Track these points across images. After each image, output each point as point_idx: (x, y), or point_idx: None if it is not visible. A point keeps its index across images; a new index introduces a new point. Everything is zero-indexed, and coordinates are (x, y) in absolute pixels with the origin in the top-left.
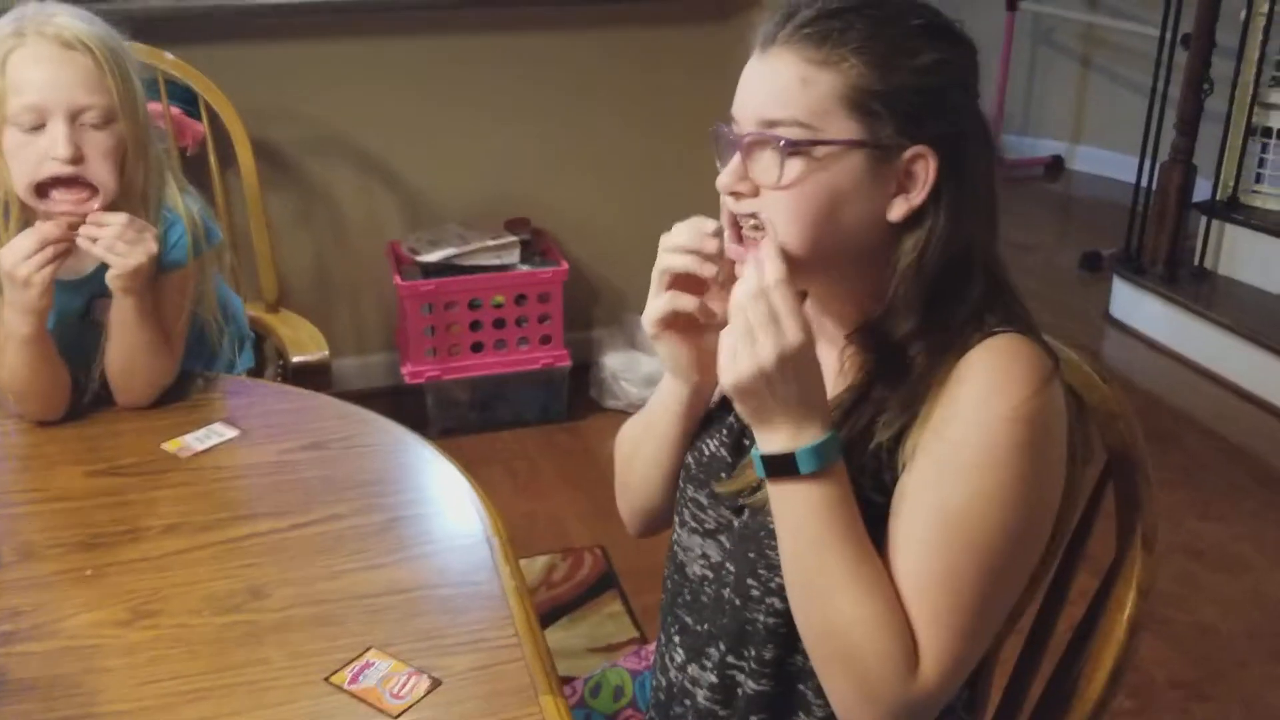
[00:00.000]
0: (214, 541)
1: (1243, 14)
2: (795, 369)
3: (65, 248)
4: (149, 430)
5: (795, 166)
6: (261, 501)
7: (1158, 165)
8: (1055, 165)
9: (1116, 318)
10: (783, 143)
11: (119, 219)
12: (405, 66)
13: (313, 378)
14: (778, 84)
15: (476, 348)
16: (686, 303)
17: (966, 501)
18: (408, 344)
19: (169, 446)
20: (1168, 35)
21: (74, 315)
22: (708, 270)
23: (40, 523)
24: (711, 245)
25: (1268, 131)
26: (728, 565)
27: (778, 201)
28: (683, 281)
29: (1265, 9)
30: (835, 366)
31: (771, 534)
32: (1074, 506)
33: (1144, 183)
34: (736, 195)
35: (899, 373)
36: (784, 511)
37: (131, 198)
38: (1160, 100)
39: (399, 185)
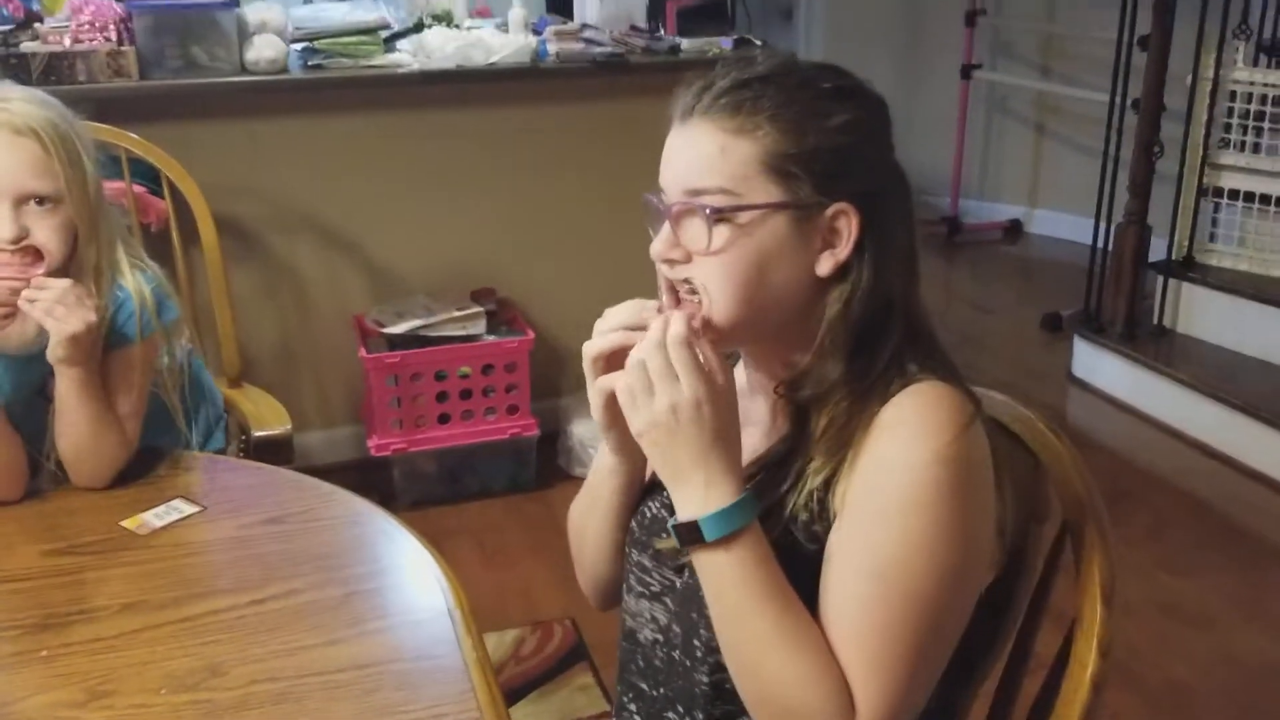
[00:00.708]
0: (171, 620)
1: (1189, 79)
2: (696, 424)
3: (6, 312)
4: (108, 508)
5: (722, 232)
6: (220, 578)
7: (1113, 227)
8: (1013, 228)
9: (1079, 377)
10: (708, 210)
11: (60, 284)
12: (367, 141)
13: (275, 453)
14: (699, 154)
15: (443, 419)
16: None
17: (894, 549)
18: (373, 416)
19: (128, 524)
20: (1118, 100)
21: (31, 390)
22: (638, 336)
23: None
24: (650, 317)
25: (1219, 192)
26: (674, 627)
27: (709, 266)
28: (619, 359)
29: (1210, 74)
30: (769, 420)
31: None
32: (1033, 566)
33: (1100, 244)
34: (671, 262)
35: (826, 421)
36: (703, 578)
37: (84, 275)
38: (1113, 163)
39: (364, 258)
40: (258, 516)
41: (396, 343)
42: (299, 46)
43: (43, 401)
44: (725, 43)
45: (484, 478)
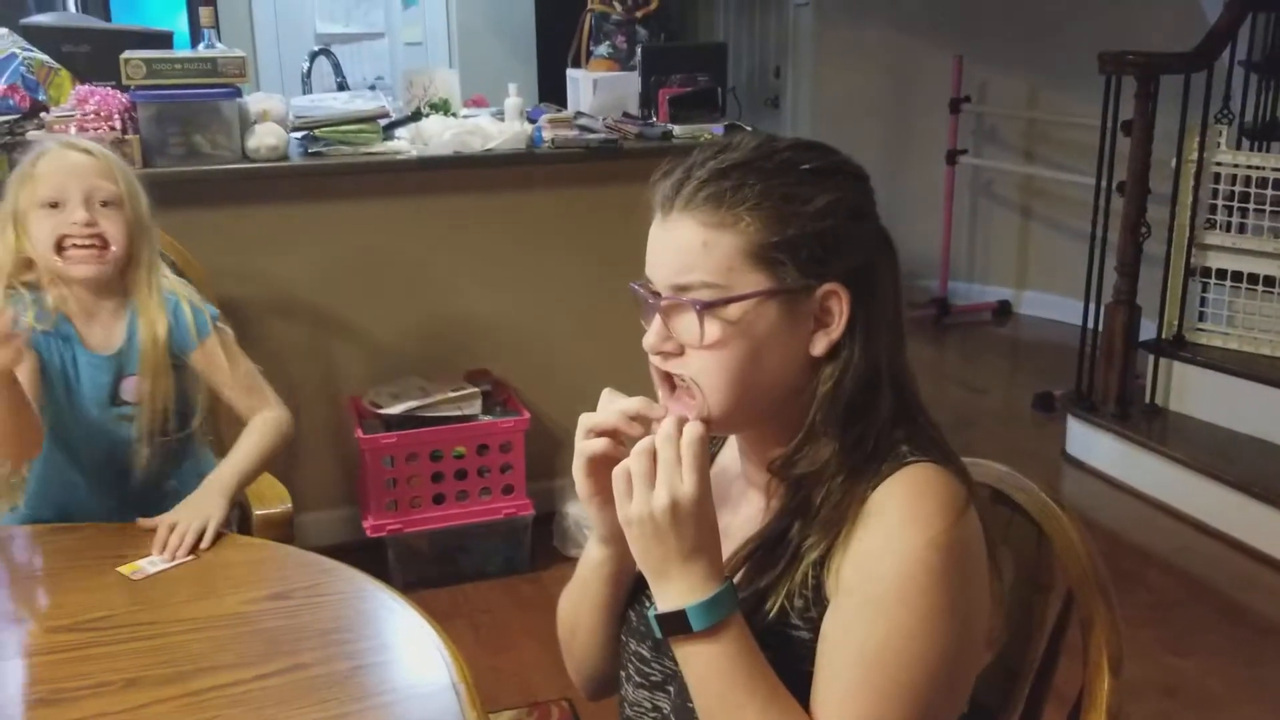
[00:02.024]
0: (176, 695)
1: (1173, 162)
2: (689, 521)
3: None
4: (112, 587)
5: (714, 326)
6: (224, 652)
7: (1102, 307)
8: (1003, 309)
9: (1073, 455)
10: (698, 306)
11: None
12: (365, 226)
13: (275, 531)
14: (682, 249)
15: (438, 499)
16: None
17: (886, 637)
18: (369, 497)
19: (124, 570)
20: (1103, 184)
21: (103, 394)
22: (638, 429)
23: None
24: (632, 428)
25: (1206, 271)
26: (672, 718)
27: (702, 360)
28: (609, 436)
29: (1194, 156)
30: (762, 502)
31: None
32: (1038, 636)
33: (1090, 324)
34: (664, 355)
35: (820, 498)
36: (687, 668)
37: (139, 270)
38: (1100, 245)
39: (360, 340)
40: (261, 592)
41: (393, 424)
42: (299, 134)
43: (113, 412)
44: (716, 129)
45: (479, 559)
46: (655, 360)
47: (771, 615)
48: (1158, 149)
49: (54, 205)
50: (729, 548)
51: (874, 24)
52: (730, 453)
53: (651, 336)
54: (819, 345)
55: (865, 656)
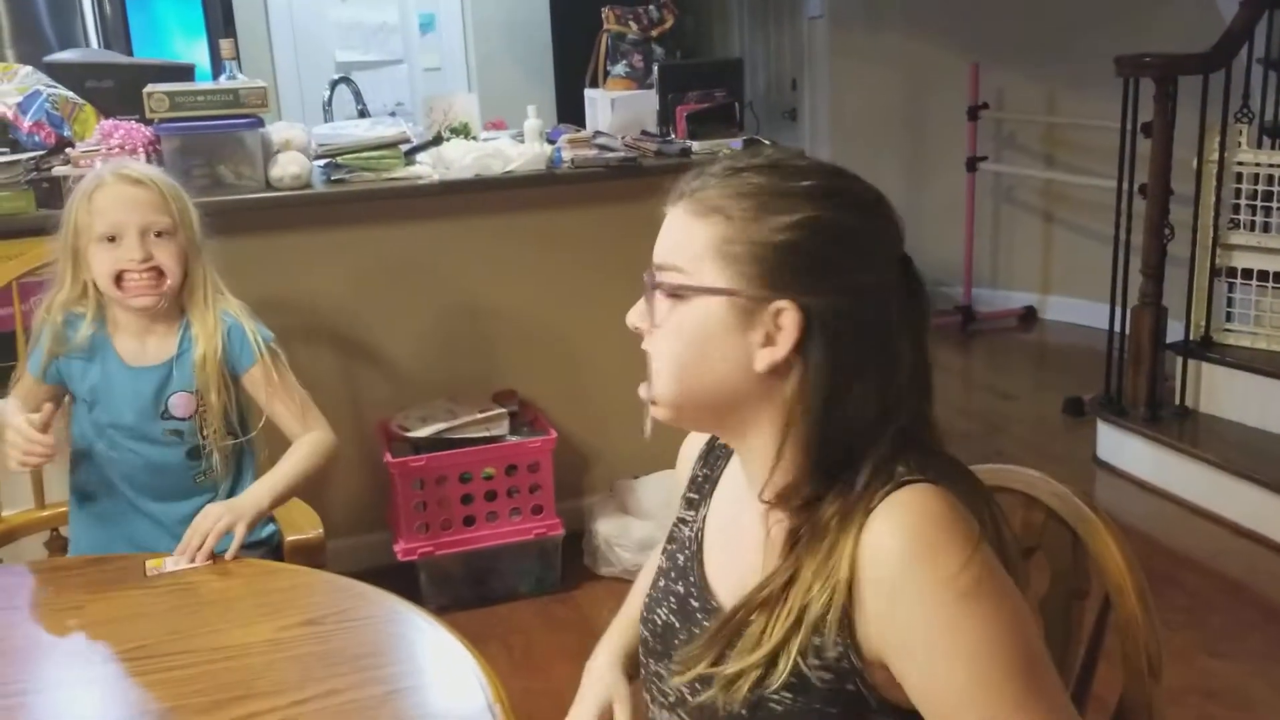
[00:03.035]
0: None
1: (1194, 163)
2: None
3: (39, 458)
4: (147, 617)
5: (671, 310)
6: (259, 680)
7: (1128, 310)
8: (1028, 316)
9: (1104, 460)
10: (656, 286)
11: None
12: (389, 251)
13: (307, 557)
14: (669, 233)
15: (468, 521)
16: None
17: (966, 681)
18: (399, 521)
19: (152, 563)
20: (1125, 186)
21: (146, 404)
22: None
23: (38, 713)
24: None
25: (1232, 271)
26: None
27: (659, 342)
28: None
29: (1215, 156)
30: (762, 534)
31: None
32: (1075, 645)
33: (1117, 328)
34: (639, 331)
35: (814, 538)
36: None
37: (195, 291)
38: (1125, 248)
39: (387, 364)
40: (294, 618)
41: (421, 446)
42: (322, 162)
43: (161, 424)
44: (735, 144)
45: (510, 580)
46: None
47: (786, 673)
48: (1178, 150)
49: (112, 240)
50: (730, 579)
51: (889, 33)
52: (737, 473)
53: (631, 313)
54: (761, 361)
55: (971, 693)
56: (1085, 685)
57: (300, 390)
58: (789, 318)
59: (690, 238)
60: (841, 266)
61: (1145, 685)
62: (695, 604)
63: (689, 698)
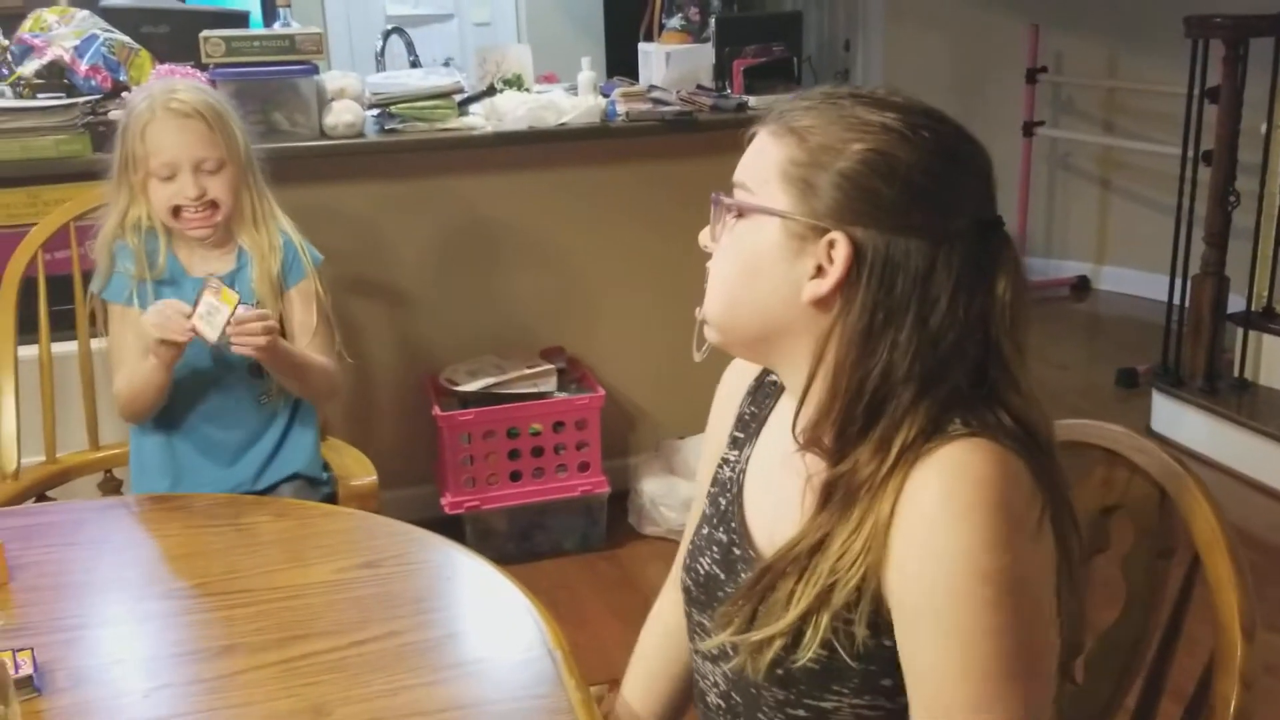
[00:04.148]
0: (272, 662)
1: (1263, 128)
2: None
3: (178, 333)
4: (206, 554)
5: (729, 225)
6: (319, 620)
7: (1189, 280)
8: (1081, 285)
9: (1159, 432)
10: (718, 201)
11: (247, 317)
12: (441, 203)
13: (361, 503)
14: (749, 153)
15: (515, 476)
16: None
17: (959, 662)
18: (446, 474)
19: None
20: (1189, 153)
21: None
22: None
23: (93, 647)
24: None
25: None
26: (734, 695)
27: (715, 260)
28: None
29: None
30: (802, 482)
31: (764, 684)
32: (1160, 604)
33: (1176, 298)
34: (707, 250)
35: (847, 498)
36: None
37: (246, 217)
38: (1188, 216)
39: (436, 318)
40: (353, 560)
41: (469, 401)
42: (375, 111)
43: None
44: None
45: (555, 536)
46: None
47: (815, 644)
48: (1246, 116)
49: (167, 178)
50: (768, 528)
51: None
52: (783, 411)
53: (703, 231)
54: (807, 292)
55: (956, 674)
56: (1170, 645)
57: (330, 322)
58: (840, 251)
59: (763, 158)
60: (901, 207)
61: (1238, 645)
62: (737, 553)
63: (729, 655)
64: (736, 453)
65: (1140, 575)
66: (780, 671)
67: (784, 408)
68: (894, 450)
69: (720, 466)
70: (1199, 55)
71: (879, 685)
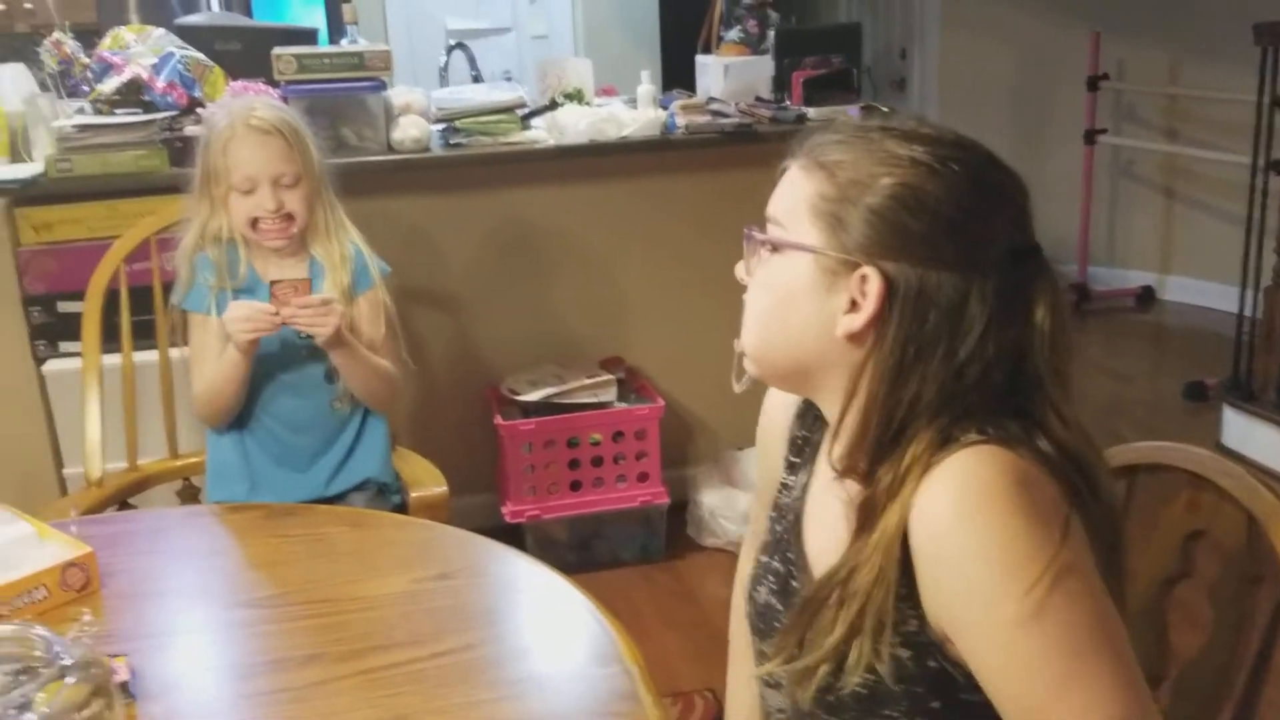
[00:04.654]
0: (354, 672)
1: None
2: None
3: (269, 326)
4: (284, 564)
5: (761, 260)
6: (396, 631)
7: (1260, 290)
8: (1145, 295)
9: (1229, 447)
10: (751, 237)
11: (312, 301)
12: (503, 216)
13: (431, 513)
14: (780, 187)
15: (575, 486)
16: None
17: (1003, 660)
18: (508, 483)
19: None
20: (1259, 162)
21: (290, 329)
22: None
23: (182, 655)
24: None
25: None
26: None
27: (750, 294)
28: None
29: None
30: (843, 511)
31: (817, 710)
32: (1249, 632)
33: (1247, 310)
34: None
35: (869, 514)
36: None
37: (319, 229)
38: (1258, 226)
39: (497, 328)
40: (427, 571)
41: (530, 410)
42: (440, 126)
43: (302, 339)
44: (852, 110)
45: (614, 546)
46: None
47: (861, 669)
48: None
49: (246, 191)
50: (821, 556)
51: (1004, 1)
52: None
53: (738, 265)
54: (842, 326)
55: (1008, 672)
56: (1259, 675)
57: (396, 330)
58: (873, 285)
59: (794, 192)
60: (932, 240)
61: None
62: (794, 584)
63: (781, 684)
64: (794, 478)
65: (1227, 603)
66: (831, 699)
67: (830, 430)
68: (905, 463)
69: (780, 492)
70: (1268, 62)
71: (928, 708)
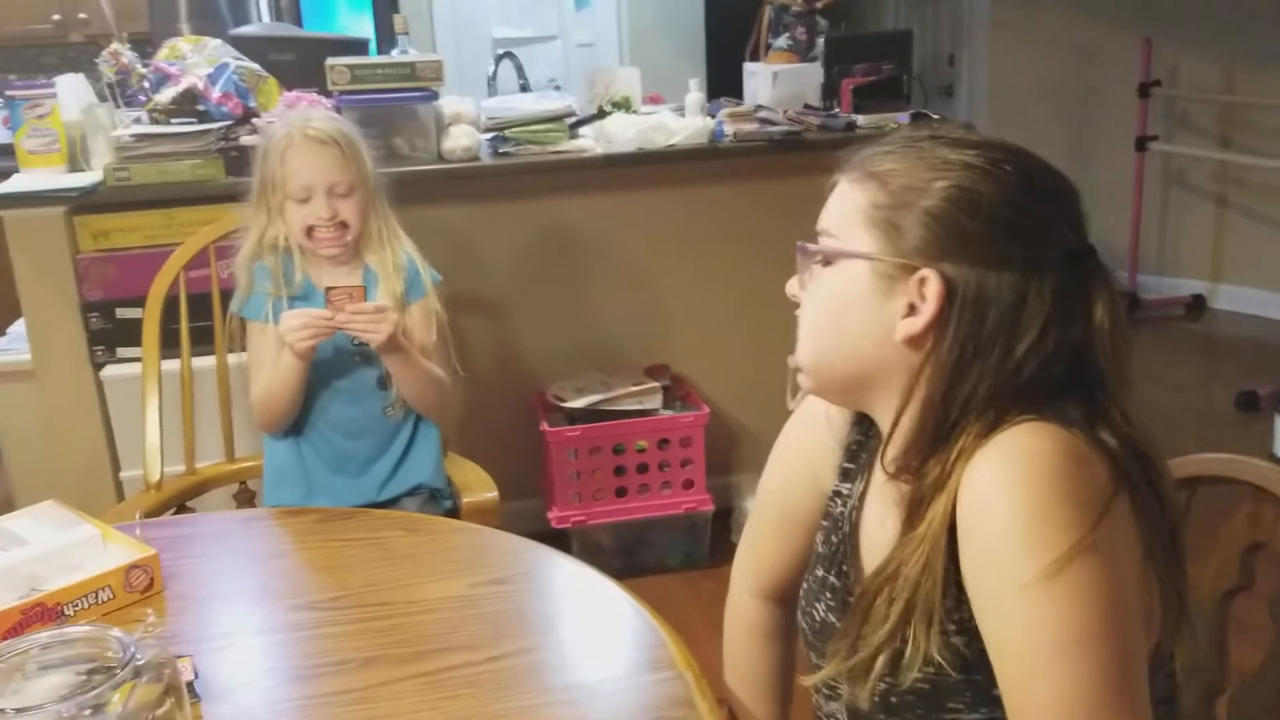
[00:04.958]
0: (413, 674)
1: None
2: None
3: (325, 332)
4: (344, 568)
5: (815, 272)
6: (455, 634)
7: None
8: (1196, 304)
9: None
10: (804, 250)
11: (368, 307)
12: (551, 223)
13: (483, 519)
14: (831, 200)
15: (620, 493)
16: None
17: (1023, 644)
18: (553, 489)
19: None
20: None
21: (345, 336)
22: None
23: (245, 656)
24: None
25: None
26: None
27: (804, 306)
28: None
29: None
30: (896, 512)
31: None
32: None
33: None
34: (795, 299)
35: (918, 503)
36: None
37: (372, 237)
38: None
39: (543, 335)
40: (484, 576)
41: (576, 417)
42: (490, 135)
43: (356, 347)
44: (902, 118)
45: (658, 553)
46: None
47: (919, 662)
48: None
49: (302, 200)
50: (872, 563)
51: (1054, 6)
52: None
53: (791, 281)
54: (901, 331)
55: (1034, 649)
56: None
57: (447, 338)
58: (932, 288)
59: (845, 203)
60: (989, 241)
61: None
62: (853, 600)
63: (838, 693)
64: (849, 486)
65: None
66: (893, 699)
67: (884, 437)
68: (953, 455)
69: (832, 501)
70: None
71: (992, 696)
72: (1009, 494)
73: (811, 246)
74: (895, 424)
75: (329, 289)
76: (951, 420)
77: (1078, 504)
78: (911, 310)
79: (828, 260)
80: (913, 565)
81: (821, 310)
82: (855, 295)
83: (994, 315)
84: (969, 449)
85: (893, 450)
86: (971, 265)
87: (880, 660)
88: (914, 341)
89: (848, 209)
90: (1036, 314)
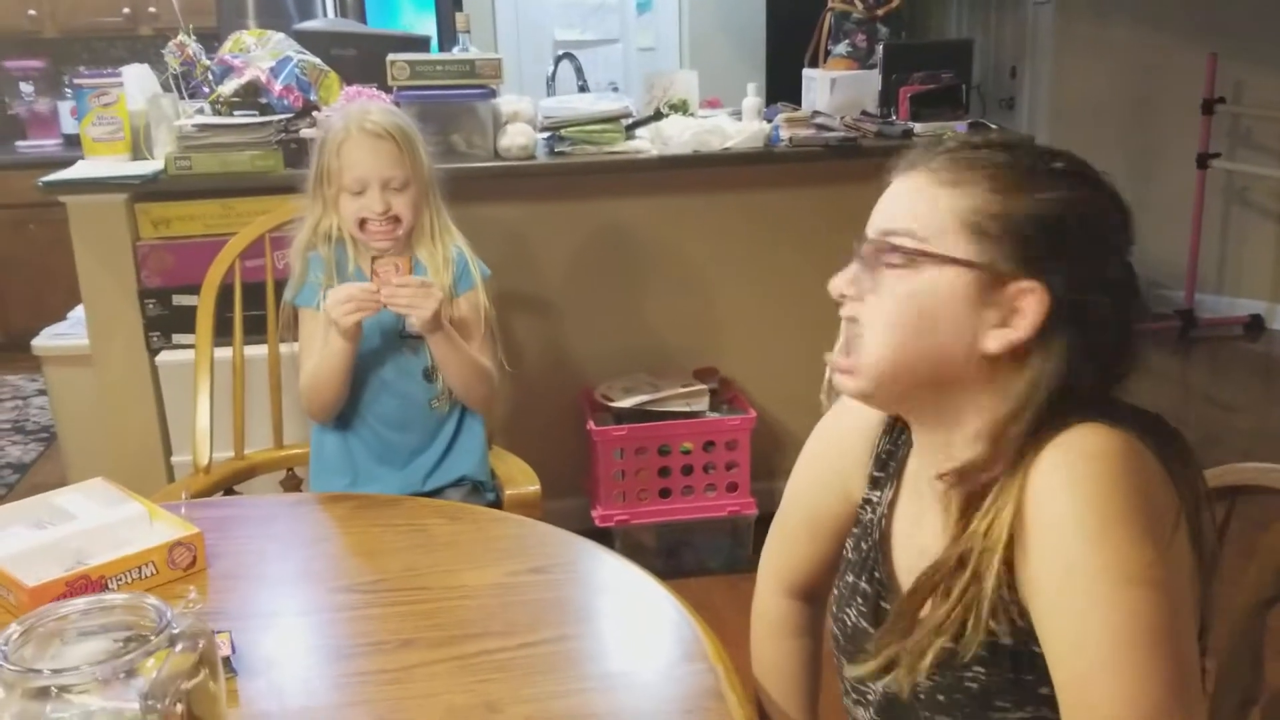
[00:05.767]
0: (448, 657)
1: None
2: None
3: (371, 307)
4: (386, 553)
5: (898, 274)
6: (492, 620)
7: None
8: (1254, 324)
9: None
10: (891, 250)
11: (412, 281)
12: (605, 224)
13: (525, 511)
14: (905, 199)
15: (664, 493)
16: None
17: (1106, 616)
18: (598, 488)
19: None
20: None
21: (390, 320)
22: None
23: (284, 635)
24: None
25: None
26: None
27: (877, 306)
28: None
29: None
30: (942, 519)
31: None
32: None
33: None
34: (846, 299)
35: (980, 501)
36: None
37: (424, 232)
38: None
39: (593, 334)
40: (523, 565)
41: (623, 417)
42: (546, 134)
43: (402, 338)
44: (960, 127)
45: (701, 555)
46: (841, 304)
47: (976, 645)
48: None
49: (357, 192)
50: (913, 572)
51: (1119, 21)
52: (921, 460)
53: (839, 279)
54: (993, 342)
55: (1102, 644)
56: None
57: (494, 333)
58: (1033, 300)
59: (932, 206)
60: (1094, 253)
61: None
62: (886, 605)
63: (876, 688)
64: (878, 494)
65: None
66: (941, 697)
67: (924, 445)
68: (1017, 457)
69: (862, 508)
70: None
71: (1038, 694)
72: (1085, 493)
73: (902, 244)
74: (975, 436)
75: (374, 259)
76: (1026, 428)
77: (1154, 505)
78: (1004, 321)
79: (910, 261)
80: (974, 562)
81: (901, 314)
82: (944, 301)
83: (1091, 326)
84: (1031, 449)
85: (951, 463)
86: (1070, 277)
87: (940, 640)
88: (1006, 354)
89: (938, 212)
90: (1112, 324)
